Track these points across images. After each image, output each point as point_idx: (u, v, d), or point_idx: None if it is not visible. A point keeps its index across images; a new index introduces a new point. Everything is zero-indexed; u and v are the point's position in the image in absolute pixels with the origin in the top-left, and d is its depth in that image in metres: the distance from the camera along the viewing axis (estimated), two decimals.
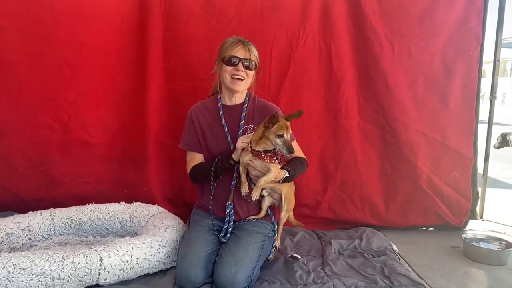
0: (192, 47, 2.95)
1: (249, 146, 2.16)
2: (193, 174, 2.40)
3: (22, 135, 2.95)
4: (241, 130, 2.34)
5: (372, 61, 2.97)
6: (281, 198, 2.30)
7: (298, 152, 2.41)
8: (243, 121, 2.35)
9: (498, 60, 3.31)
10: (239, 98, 2.39)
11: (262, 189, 2.23)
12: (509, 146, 3.70)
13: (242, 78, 2.28)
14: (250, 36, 2.85)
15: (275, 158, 2.17)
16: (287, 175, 2.21)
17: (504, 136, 3.72)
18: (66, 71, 2.92)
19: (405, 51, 2.98)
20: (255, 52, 2.31)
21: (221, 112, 2.37)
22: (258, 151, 2.12)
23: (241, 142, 2.19)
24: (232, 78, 2.27)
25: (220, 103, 2.39)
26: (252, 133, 2.20)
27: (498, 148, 3.74)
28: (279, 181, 2.21)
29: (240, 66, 2.25)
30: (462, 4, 2.96)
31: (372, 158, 3.08)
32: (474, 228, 3.16)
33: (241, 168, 2.22)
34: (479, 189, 3.29)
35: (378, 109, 3.01)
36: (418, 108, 3.02)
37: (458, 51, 3.01)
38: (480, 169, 3.26)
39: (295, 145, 2.39)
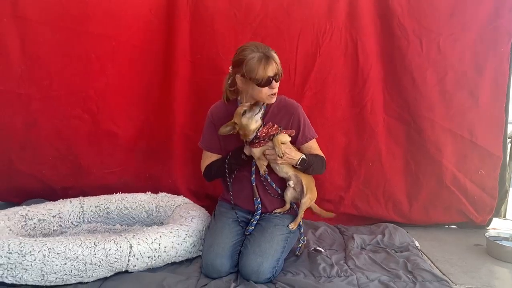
0: (218, 41, 2.98)
1: (245, 141, 2.23)
2: (209, 171, 2.44)
3: (52, 125, 3.02)
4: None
5: (398, 57, 2.96)
6: (303, 189, 2.33)
7: (317, 150, 2.43)
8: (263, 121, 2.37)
9: None
10: None
11: (288, 181, 2.29)
12: None
13: (276, 91, 2.30)
14: (276, 32, 2.90)
15: (272, 127, 2.23)
16: (303, 157, 2.25)
17: None
18: (95, 64, 2.98)
19: (434, 47, 2.94)
20: (277, 59, 2.23)
21: None
22: (253, 140, 2.18)
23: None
24: (269, 95, 2.27)
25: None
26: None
27: None
28: (296, 164, 2.26)
29: (274, 84, 2.24)
30: None
31: (397, 154, 3.07)
32: (497, 227, 3.14)
33: (257, 163, 2.30)
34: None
35: (404, 105, 3.00)
36: (446, 104, 2.99)
37: (489, 46, 2.96)
38: None
39: (315, 146, 2.43)
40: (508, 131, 3.14)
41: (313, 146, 2.42)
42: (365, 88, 2.99)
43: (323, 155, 2.44)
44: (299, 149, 2.36)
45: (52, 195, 2.99)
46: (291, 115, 2.36)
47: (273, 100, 2.30)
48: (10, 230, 2.30)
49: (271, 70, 2.19)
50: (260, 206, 2.37)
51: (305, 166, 2.28)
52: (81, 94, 3.01)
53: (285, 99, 2.43)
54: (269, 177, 2.37)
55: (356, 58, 2.97)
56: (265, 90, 2.23)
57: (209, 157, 2.46)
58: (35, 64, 2.95)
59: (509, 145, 3.25)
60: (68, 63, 2.97)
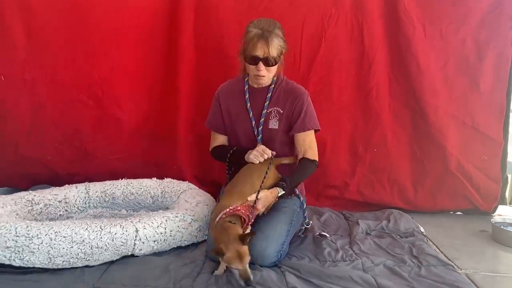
0: (223, 25, 2.95)
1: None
2: (213, 153, 2.49)
3: (57, 110, 3.02)
4: (265, 111, 2.36)
5: (404, 42, 2.92)
6: None
7: (311, 149, 2.38)
8: (267, 102, 2.37)
9: None
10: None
11: None
12: None
13: (264, 75, 2.28)
14: (280, 17, 2.85)
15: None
16: (282, 192, 2.20)
17: None
18: (100, 49, 2.97)
19: (437, 33, 2.92)
20: (276, 43, 2.19)
21: (247, 96, 2.39)
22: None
23: (256, 154, 2.23)
24: (255, 75, 2.27)
25: (247, 86, 2.40)
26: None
27: None
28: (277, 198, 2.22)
29: (261, 66, 2.22)
30: None
31: (402, 140, 3.06)
32: (502, 214, 3.13)
33: None
34: (509, 175, 3.23)
35: (409, 90, 2.98)
36: (449, 90, 2.97)
37: (492, 32, 2.93)
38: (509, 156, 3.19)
39: (310, 138, 2.38)
40: None
41: (307, 139, 2.37)
42: (371, 73, 2.97)
43: (315, 154, 2.39)
44: (293, 137, 2.35)
45: (58, 180, 3.00)
46: (295, 99, 2.36)
47: (261, 82, 2.30)
48: (17, 214, 2.32)
49: (260, 50, 2.17)
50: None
51: (289, 192, 2.27)
52: (86, 79, 3.00)
53: (293, 83, 2.42)
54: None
55: (362, 42, 2.95)
56: (251, 67, 2.23)
57: (215, 137, 2.48)
58: (39, 49, 2.94)
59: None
60: (73, 48, 2.96)
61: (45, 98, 3.01)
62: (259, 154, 2.23)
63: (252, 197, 2.08)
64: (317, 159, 2.40)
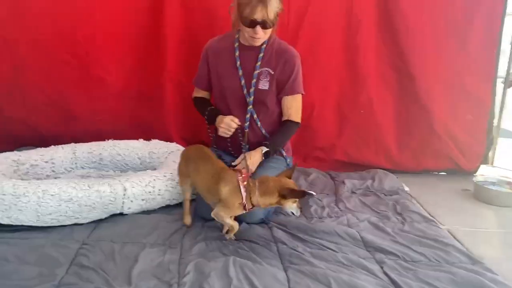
0: None
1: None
2: (194, 104, 2.50)
3: (41, 70, 2.96)
4: (257, 72, 2.33)
5: (392, 2, 2.89)
6: None
7: (297, 112, 2.39)
8: (259, 63, 2.33)
9: None
10: None
11: None
12: None
13: (260, 37, 2.23)
14: None
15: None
16: (266, 150, 2.23)
17: None
18: (83, 7, 2.88)
19: None
20: (274, 5, 2.12)
21: (237, 54, 2.34)
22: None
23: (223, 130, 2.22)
24: (251, 37, 2.22)
25: (237, 43, 2.36)
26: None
27: (510, 87, 3.66)
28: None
29: (258, 29, 2.16)
30: None
31: (388, 101, 3.08)
32: (485, 174, 3.20)
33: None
34: (500, 139, 3.30)
35: (397, 51, 2.97)
36: (437, 51, 2.97)
37: None
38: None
39: (297, 102, 2.38)
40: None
41: (295, 103, 2.37)
42: (359, 34, 2.95)
43: (299, 119, 2.40)
44: (280, 100, 2.36)
45: (43, 142, 2.93)
46: (287, 61, 2.32)
47: (255, 43, 2.26)
48: (3, 174, 2.29)
49: (259, 14, 2.11)
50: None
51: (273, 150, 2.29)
52: (69, 39, 2.93)
53: (286, 44, 2.37)
54: (259, 123, 2.38)
55: (350, 2, 2.90)
56: (247, 30, 2.18)
57: (197, 91, 2.48)
58: (21, 8, 2.84)
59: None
60: (55, 7, 2.87)
61: (28, 58, 2.94)
62: (226, 128, 2.22)
63: (239, 163, 2.16)
64: (300, 121, 2.42)
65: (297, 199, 1.89)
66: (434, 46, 2.98)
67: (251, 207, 1.91)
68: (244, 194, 1.88)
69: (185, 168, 2.11)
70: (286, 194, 1.86)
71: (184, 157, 2.15)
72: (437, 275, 1.75)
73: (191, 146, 2.25)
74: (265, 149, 2.23)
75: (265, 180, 1.91)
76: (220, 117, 2.26)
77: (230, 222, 1.96)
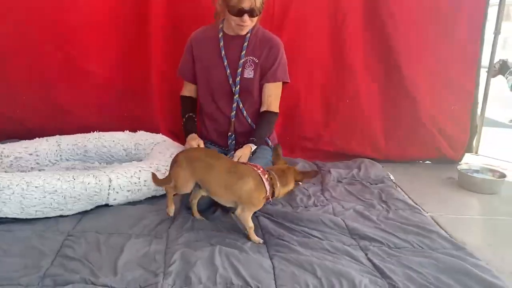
0: None
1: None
2: (181, 103, 2.52)
3: (25, 62, 2.93)
4: (242, 61, 2.33)
5: None
6: None
7: (276, 102, 2.39)
8: (244, 52, 2.33)
9: None
10: None
11: None
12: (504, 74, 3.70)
13: (247, 25, 2.23)
14: None
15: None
16: (255, 147, 2.26)
17: (503, 62, 3.72)
18: None
19: None
20: None
21: (221, 44, 2.35)
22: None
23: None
24: (237, 25, 2.22)
25: (221, 33, 2.36)
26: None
27: (494, 76, 3.72)
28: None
29: (246, 18, 2.17)
30: None
31: (374, 91, 3.10)
32: (469, 162, 3.25)
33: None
34: (484, 128, 3.34)
35: (383, 41, 2.99)
36: (422, 40, 3.00)
37: None
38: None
39: (277, 90, 2.39)
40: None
41: (275, 91, 2.38)
42: (345, 24, 2.96)
43: (277, 109, 2.41)
44: (261, 87, 2.36)
45: (28, 135, 2.90)
46: (270, 49, 2.34)
47: (241, 32, 2.27)
48: None
49: (247, 2, 2.12)
50: (234, 142, 2.41)
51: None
52: (52, 30, 2.89)
53: (269, 33, 2.39)
54: (245, 112, 2.39)
55: None
56: (234, 18, 2.19)
57: (185, 85, 2.48)
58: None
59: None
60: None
61: (11, 50, 2.90)
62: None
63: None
64: (278, 111, 2.43)
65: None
66: (419, 36, 3.01)
67: (271, 199, 1.93)
68: (268, 187, 1.89)
69: (188, 171, 1.92)
70: (300, 178, 1.95)
71: (186, 159, 1.95)
72: (421, 261, 1.77)
73: (191, 148, 2.21)
74: (254, 147, 2.25)
75: (281, 171, 1.95)
76: (190, 136, 2.31)
77: (251, 223, 1.92)
